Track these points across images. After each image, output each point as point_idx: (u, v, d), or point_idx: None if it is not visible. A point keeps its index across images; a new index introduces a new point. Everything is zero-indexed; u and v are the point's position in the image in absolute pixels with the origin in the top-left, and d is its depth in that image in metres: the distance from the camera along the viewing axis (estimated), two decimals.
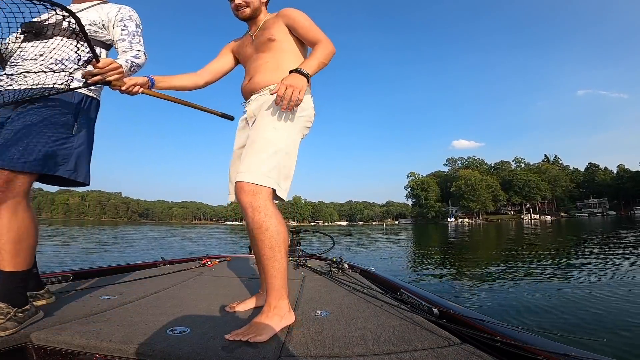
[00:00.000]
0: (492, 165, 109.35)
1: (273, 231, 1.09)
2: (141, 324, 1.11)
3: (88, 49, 1.15)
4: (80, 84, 1.22)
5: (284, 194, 1.18)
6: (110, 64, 1.20)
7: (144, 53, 1.44)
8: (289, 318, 1.10)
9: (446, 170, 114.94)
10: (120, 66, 1.24)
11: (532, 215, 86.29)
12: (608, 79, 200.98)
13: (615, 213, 77.64)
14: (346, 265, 2.26)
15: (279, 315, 1.07)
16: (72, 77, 1.23)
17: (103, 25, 1.39)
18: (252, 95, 1.36)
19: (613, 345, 2.28)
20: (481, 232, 23.15)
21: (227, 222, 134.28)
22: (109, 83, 1.21)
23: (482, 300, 3.76)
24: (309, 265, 2.44)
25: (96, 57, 1.16)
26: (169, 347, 0.91)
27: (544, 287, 4.19)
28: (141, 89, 1.29)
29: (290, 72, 1.18)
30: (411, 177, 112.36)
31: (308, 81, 1.18)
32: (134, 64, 1.37)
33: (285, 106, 1.11)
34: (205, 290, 1.74)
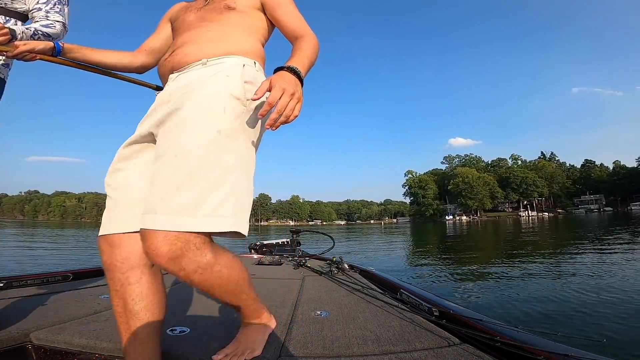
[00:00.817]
0: (489, 162, 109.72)
1: (224, 281, 0.80)
2: None
3: None
4: None
5: (245, 230, 0.78)
6: None
7: (63, 25, 1.25)
8: (272, 323, 1.03)
9: (443, 168, 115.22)
10: (4, 26, 1.03)
11: (530, 212, 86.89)
12: (602, 77, 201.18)
13: (612, 209, 78.22)
14: (346, 265, 2.26)
15: (263, 325, 0.98)
16: None
17: None
18: (173, 73, 0.94)
19: (613, 345, 2.28)
20: (479, 230, 23.23)
21: None
22: None
23: (482, 300, 3.77)
24: (309, 265, 2.44)
25: None
26: (169, 347, 0.91)
27: (544, 287, 4.20)
28: (39, 56, 1.04)
29: (276, 70, 0.80)
30: (409, 176, 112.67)
31: (302, 85, 0.81)
32: (42, 32, 1.18)
33: (274, 122, 0.71)
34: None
